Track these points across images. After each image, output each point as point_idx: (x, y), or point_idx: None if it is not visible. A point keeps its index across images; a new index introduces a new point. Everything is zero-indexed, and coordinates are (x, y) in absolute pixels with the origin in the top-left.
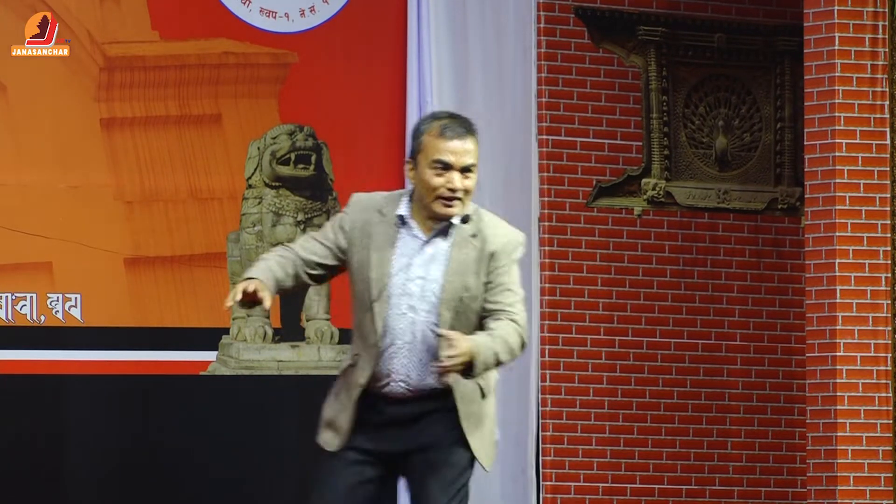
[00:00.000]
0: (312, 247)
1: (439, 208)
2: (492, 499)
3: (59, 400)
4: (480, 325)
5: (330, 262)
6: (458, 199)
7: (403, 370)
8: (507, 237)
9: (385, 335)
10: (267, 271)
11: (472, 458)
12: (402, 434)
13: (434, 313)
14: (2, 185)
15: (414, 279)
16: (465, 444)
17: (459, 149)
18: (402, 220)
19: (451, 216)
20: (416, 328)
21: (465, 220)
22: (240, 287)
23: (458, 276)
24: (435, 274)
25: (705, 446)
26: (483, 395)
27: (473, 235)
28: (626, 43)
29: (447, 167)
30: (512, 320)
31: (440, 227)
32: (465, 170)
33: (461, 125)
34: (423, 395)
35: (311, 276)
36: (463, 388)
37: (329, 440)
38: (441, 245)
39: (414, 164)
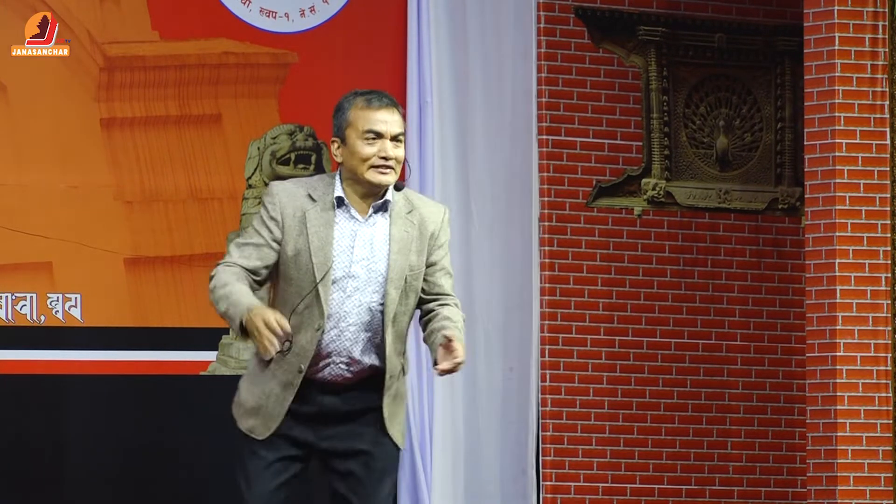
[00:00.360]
0: (252, 254)
1: (374, 176)
2: (492, 499)
3: (59, 400)
4: (417, 303)
5: (273, 261)
6: (391, 167)
7: (345, 351)
8: (442, 215)
9: (329, 318)
10: (250, 295)
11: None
12: (334, 431)
13: (380, 292)
14: (2, 185)
15: (358, 261)
16: (390, 438)
17: (388, 118)
18: (339, 202)
19: (386, 184)
20: (363, 309)
21: (398, 187)
22: (268, 334)
23: (401, 255)
24: (379, 254)
25: (705, 446)
26: (404, 373)
27: (409, 212)
28: (626, 43)
29: (378, 136)
30: (457, 306)
31: (377, 204)
32: (394, 139)
33: (385, 96)
34: (359, 380)
35: (257, 282)
36: (392, 366)
37: (256, 428)
38: (380, 223)
39: (341, 142)
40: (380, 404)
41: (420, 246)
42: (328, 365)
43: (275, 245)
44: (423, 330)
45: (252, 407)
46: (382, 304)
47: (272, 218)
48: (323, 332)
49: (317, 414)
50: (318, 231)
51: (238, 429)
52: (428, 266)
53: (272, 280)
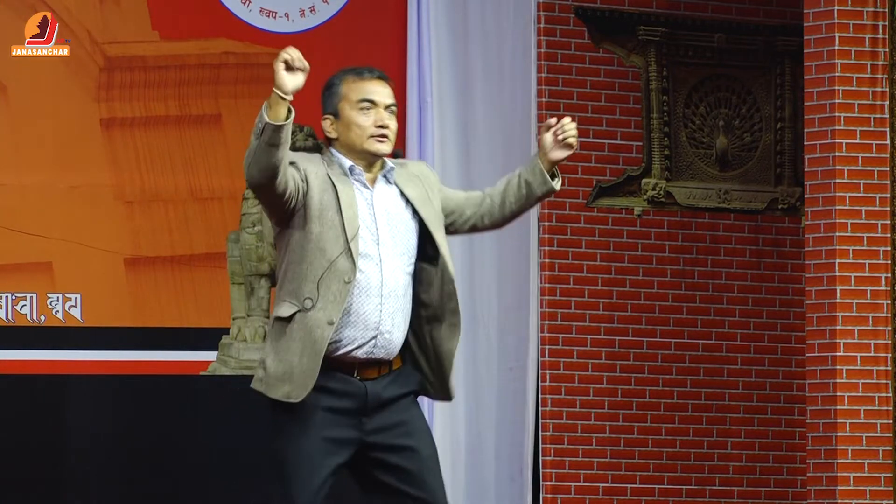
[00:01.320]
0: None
1: (373, 146)
2: (489, 499)
3: (59, 400)
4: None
5: (300, 181)
6: (387, 136)
7: (388, 321)
8: (426, 167)
9: (369, 289)
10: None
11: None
12: (378, 424)
13: (408, 254)
14: (2, 185)
15: (382, 226)
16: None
17: (381, 89)
18: (351, 170)
19: (384, 153)
20: (398, 273)
21: (397, 155)
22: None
23: (426, 206)
24: (399, 218)
25: (705, 446)
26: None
27: (409, 174)
28: (626, 43)
29: (373, 104)
30: None
31: (383, 172)
32: (387, 109)
33: (375, 70)
34: (395, 358)
35: (282, 173)
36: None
37: (293, 391)
38: (386, 190)
39: (334, 117)
40: (417, 384)
41: (434, 195)
42: (375, 337)
43: (302, 185)
44: (497, 202)
45: (283, 372)
46: (412, 266)
47: (297, 169)
48: (353, 283)
49: (361, 408)
50: (344, 190)
51: (270, 401)
52: (447, 206)
53: (282, 246)
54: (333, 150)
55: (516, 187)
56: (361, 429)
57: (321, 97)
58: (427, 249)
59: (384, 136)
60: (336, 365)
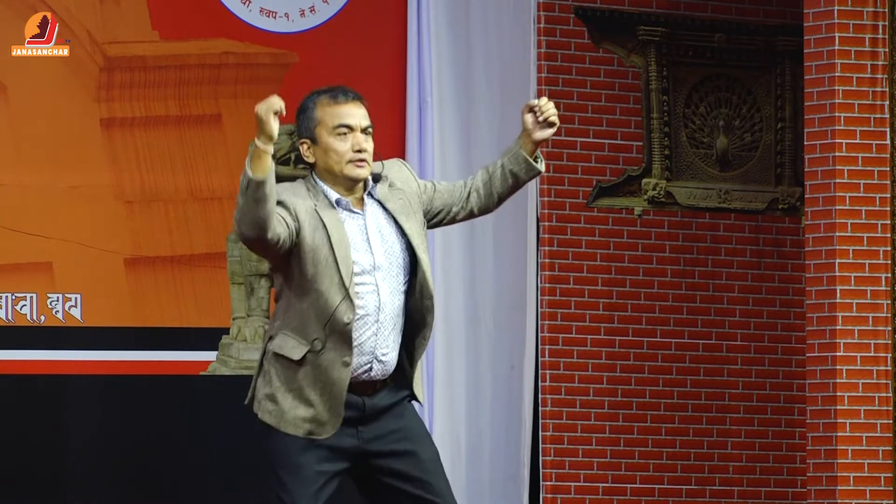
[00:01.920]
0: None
1: (353, 171)
2: (491, 499)
3: (59, 400)
4: (454, 214)
5: (293, 228)
6: (366, 160)
7: (384, 343)
8: (405, 168)
9: (367, 315)
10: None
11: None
12: (376, 432)
13: (402, 274)
14: (2, 185)
15: (378, 251)
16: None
17: (356, 111)
18: (338, 202)
19: (363, 178)
20: (394, 295)
21: (376, 178)
22: (265, 104)
23: (410, 218)
24: (391, 237)
25: (705, 446)
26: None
27: (390, 185)
28: (626, 43)
29: (350, 129)
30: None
31: (367, 190)
32: (363, 131)
33: (349, 91)
34: (393, 371)
35: (273, 225)
36: (424, 331)
37: (315, 430)
38: (374, 209)
39: (311, 142)
40: (410, 389)
41: (414, 203)
42: (371, 362)
43: (293, 224)
44: (485, 191)
45: (305, 414)
46: (407, 284)
47: (285, 208)
48: (353, 323)
49: (358, 418)
50: (334, 225)
51: (278, 433)
52: (434, 205)
53: (279, 277)
54: (316, 179)
55: (501, 178)
56: (359, 437)
57: (296, 119)
58: (410, 261)
59: (362, 160)
60: None
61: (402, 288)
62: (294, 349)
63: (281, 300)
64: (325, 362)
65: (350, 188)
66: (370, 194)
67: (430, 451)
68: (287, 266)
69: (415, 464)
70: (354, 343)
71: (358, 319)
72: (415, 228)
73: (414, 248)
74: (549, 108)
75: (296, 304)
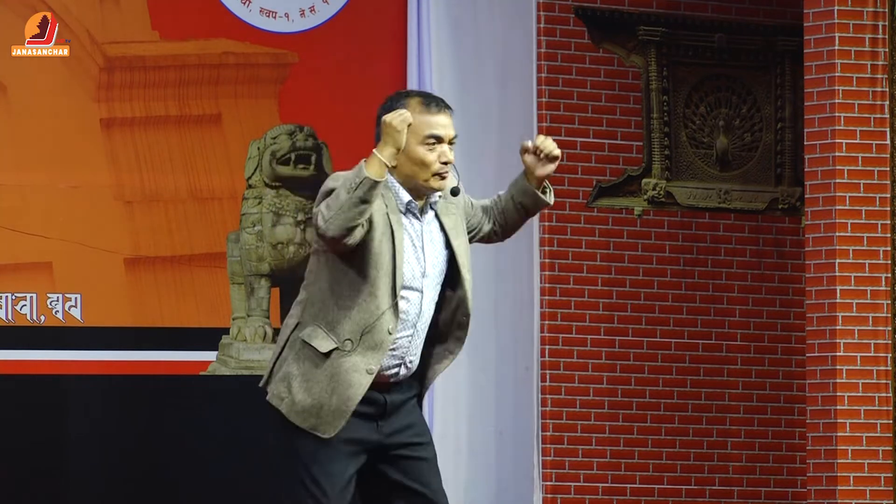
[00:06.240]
0: None
1: (437, 183)
2: (492, 499)
3: (59, 400)
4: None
5: (365, 226)
6: (448, 172)
7: (416, 349)
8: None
9: (407, 321)
10: None
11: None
12: (396, 426)
13: (439, 284)
14: (2, 185)
15: (430, 260)
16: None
17: (446, 121)
18: (407, 207)
19: (444, 188)
20: (432, 304)
21: (455, 192)
22: (395, 117)
23: (459, 238)
24: (438, 248)
25: (705, 446)
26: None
27: (444, 197)
28: (626, 43)
29: (439, 140)
30: None
31: (430, 200)
32: (450, 143)
33: (441, 100)
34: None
35: (359, 229)
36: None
37: (320, 426)
38: (431, 219)
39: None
40: (420, 388)
41: (462, 220)
42: (400, 366)
43: (366, 226)
44: (501, 219)
45: (311, 405)
46: (440, 294)
47: None
48: (395, 331)
49: (380, 413)
50: (400, 234)
51: (291, 424)
52: (472, 222)
53: (328, 268)
54: (392, 180)
55: (513, 210)
56: (380, 431)
57: (376, 118)
58: (452, 275)
59: (447, 172)
60: None
61: (436, 298)
62: (323, 341)
63: (315, 291)
64: (348, 364)
65: (422, 195)
66: (430, 205)
67: (433, 450)
68: (341, 262)
69: (424, 458)
70: (389, 347)
71: (399, 324)
72: (462, 247)
73: (459, 266)
74: (547, 145)
75: (338, 301)
